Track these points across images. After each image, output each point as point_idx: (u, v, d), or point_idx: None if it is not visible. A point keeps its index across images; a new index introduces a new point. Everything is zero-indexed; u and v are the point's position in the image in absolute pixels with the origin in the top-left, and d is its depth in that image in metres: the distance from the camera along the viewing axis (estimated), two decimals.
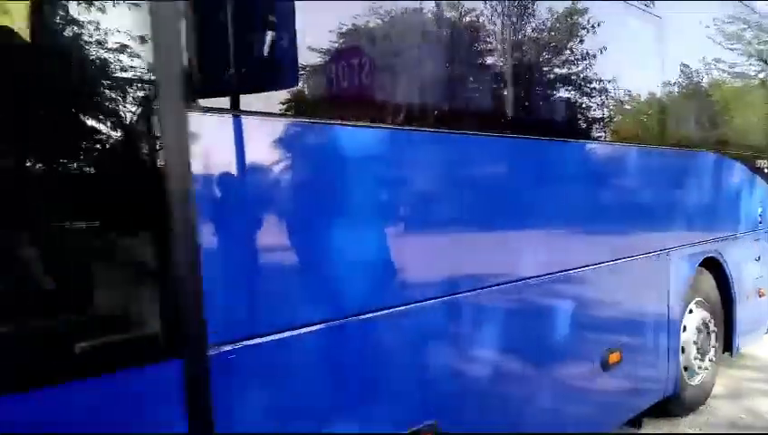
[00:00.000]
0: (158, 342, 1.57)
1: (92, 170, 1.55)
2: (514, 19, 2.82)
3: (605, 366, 3.32)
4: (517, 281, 2.75)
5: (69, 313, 1.46)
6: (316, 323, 1.93)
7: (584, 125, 3.43)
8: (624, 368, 3.46)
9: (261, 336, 1.77)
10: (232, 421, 1.69)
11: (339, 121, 2.05)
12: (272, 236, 1.85)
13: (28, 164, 1.44)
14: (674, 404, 4.15)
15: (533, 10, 2.92)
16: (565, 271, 3.05)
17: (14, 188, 1.39)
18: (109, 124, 1.55)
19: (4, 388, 1.27)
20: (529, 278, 2.81)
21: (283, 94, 1.90)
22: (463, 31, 2.65)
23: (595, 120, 3.49)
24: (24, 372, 1.33)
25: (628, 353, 3.49)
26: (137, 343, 1.55)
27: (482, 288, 2.55)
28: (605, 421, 3.46)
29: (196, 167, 1.62)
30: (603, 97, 3.44)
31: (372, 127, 2.19)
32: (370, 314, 2.09)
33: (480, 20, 2.70)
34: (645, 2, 3.72)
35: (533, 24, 2.95)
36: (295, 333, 1.86)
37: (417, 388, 2.30)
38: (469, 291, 2.48)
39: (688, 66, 4.29)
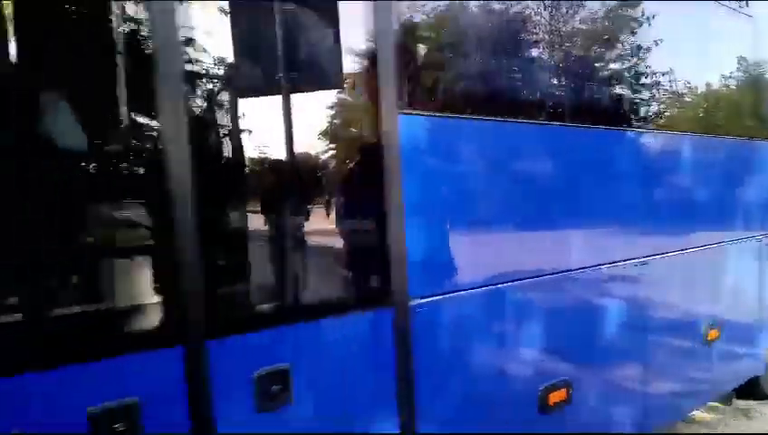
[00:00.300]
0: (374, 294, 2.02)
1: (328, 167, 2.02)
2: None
3: (705, 341, 3.59)
4: (646, 257, 3.11)
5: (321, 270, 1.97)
6: (483, 287, 2.32)
7: (716, 125, 3.82)
8: (721, 344, 3.73)
9: (449, 293, 2.18)
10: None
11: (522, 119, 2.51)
12: (463, 216, 2.26)
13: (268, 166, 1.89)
14: (763, 384, 4.36)
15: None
16: (682, 250, 3.39)
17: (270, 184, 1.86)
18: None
19: (294, 320, 1.77)
20: (657, 255, 3.19)
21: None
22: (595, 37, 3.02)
23: (719, 119, 3.90)
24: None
25: (725, 331, 3.75)
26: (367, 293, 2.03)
27: (607, 264, 2.91)
28: (704, 392, 3.76)
29: (406, 158, 2.02)
30: (718, 96, 3.82)
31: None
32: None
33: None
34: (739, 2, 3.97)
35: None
36: (473, 292, 2.26)
37: (557, 350, 2.65)
38: (598, 266, 2.86)
39: None
